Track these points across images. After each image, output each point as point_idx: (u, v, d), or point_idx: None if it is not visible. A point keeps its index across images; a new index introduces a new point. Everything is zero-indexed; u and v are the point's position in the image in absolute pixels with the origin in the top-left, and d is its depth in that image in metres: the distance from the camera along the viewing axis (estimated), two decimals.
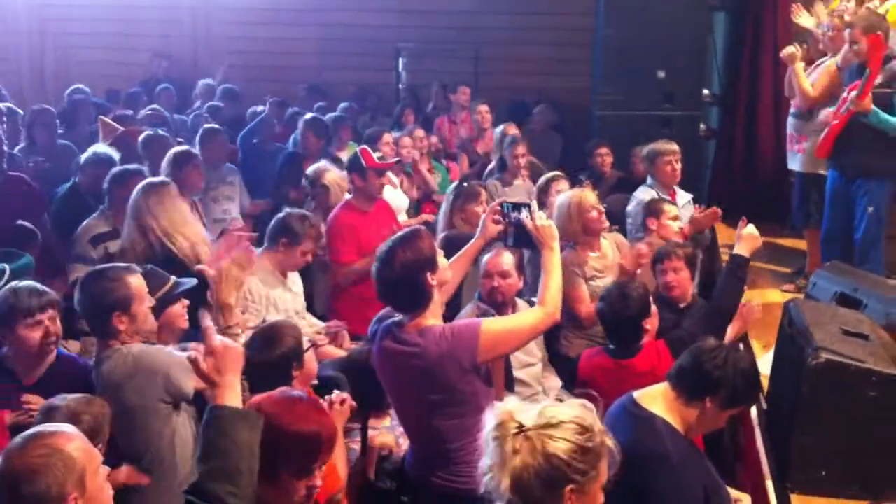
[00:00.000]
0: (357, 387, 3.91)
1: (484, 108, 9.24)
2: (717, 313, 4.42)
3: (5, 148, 5.99)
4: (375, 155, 6.00)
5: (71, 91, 9.73)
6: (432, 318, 3.54)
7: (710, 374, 3.23)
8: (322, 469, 2.70)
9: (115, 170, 5.78)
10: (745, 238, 4.42)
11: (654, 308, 4.44)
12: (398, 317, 3.58)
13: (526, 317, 3.68)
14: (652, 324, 4.38)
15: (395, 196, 7.11)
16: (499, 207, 3.96)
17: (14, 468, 2.14)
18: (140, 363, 3.57)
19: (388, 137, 7.65)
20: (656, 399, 3.30)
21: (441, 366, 3.41)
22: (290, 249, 5.00)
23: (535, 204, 3.89)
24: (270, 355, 3.68)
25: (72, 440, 2.23)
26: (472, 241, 4.07)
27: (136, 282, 3.72)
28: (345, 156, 7.47)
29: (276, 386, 3.34)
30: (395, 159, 6.57)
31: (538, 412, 2.27)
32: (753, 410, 4.56)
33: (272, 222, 5.14)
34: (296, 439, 2.60)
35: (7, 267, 4.25)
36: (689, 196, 6.83)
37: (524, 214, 3.79)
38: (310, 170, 6.53)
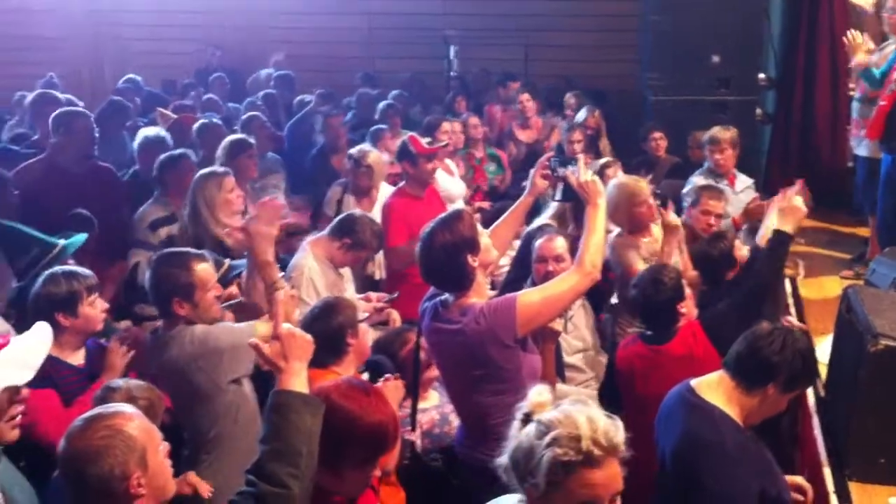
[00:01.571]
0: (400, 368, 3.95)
1: (525, 96, 9.18)
2: (754, 292, 4.20)
3: (96, 135, 6.11)
4: (424, 141, 6.02)
5: (123, 80, 9.87)
6: (476, 296, 3.56)
7: (769, 360, 3.15)
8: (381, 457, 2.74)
9: (163, 156, 5.85)
10: (788, 211, 4.15)
11: (688, 291, 4.34)
12: (445, 296, 3.62)
13: (563, 282, 3.61)
14: (688, 307, 4.31)
15: (453, 183, 7.12)
16: (546, 163, 3.97)
17: (77, 450, 2.17)
18: (206, 345, 3.62)
19: (446, 126, 7.65)
20: (715, 388, 3.23)
21: (482, 343, 3.44)
22: (348, 251, 5.02)
23: (581, 159, 3.88)
24: (327, 324, 3.72)
25: (132, 420, 2.25)
26: (522, 198, 4.08)
27: (203, 270, 3.73)
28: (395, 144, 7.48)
29: (332, 355, 3.39)
30: (444, 143, 6.56)
31: (566, 413, 2.17)
32: (811, 397, 4.50)
33: (342, 216, 5.16)
34: (366, 432, 2.63)
35: (61, 242, 4.32)
36: (749, 181, 6.72)
37: (570, 170, 3.79)
38: (354, 150, 6.55)
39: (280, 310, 2.53)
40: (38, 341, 2.46)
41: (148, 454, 2.21)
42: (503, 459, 2.23)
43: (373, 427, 2.63)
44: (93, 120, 6.23)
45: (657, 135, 7.90)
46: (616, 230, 5.38)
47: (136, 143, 6.71)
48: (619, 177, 5.82)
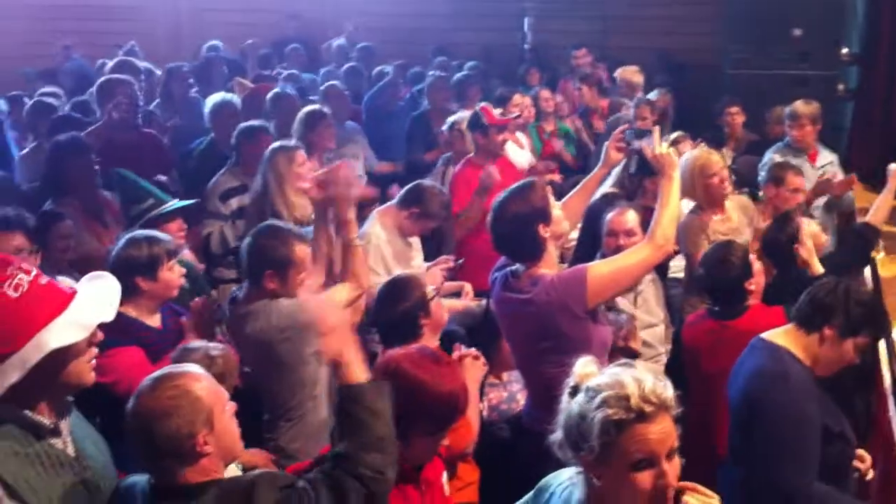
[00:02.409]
0: (475, 341, 3.96)
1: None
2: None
3: (141, 104, 6.23)
4: (496, 112, 5.99)
5: (207, 48, 10.00)
6: (546, 267, 3.55)
7: (822, 301, 3.31)
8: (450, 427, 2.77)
9: (242, 126, 5.93)
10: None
11: (758, 267, 4.28)
12: (515, 266, 3.61)
13: (634, 254, 3.59)
14: (757, 283, 4.23)
15: (521, 156, 7.09)
16: (621, 135, 3.91)
17: (145, 409, 2.22)
18: (294, 318, 3.67)
19: (518, 98, 7.59)
20: (782, 334, 3.38)
21: (551, 313, 3.44)
22: (416, 220, 5.04)
23: (656, 131, 3.83)
24: (397, 309, 3.73)
25: (199, 380, 2.29)
26: (595, 170, 4.04)
27: (302, 251, 3.79)
28: None
29: (407, 337, 3.43)
30: (515, 115, 6.51)
31: (615, 379, 2.15)
32: (887, 378, 4.41)
33: (410, 186, 5.18)
34: (436, 400, 2.67)
35: (175, 201, 4.47)
36: (832, 157, 6.55)
37: (645, 142, 3.74)
38: (454, 118, 6.55)
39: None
40: (109, 285, 2.51)
41: (215, 414, 2.25)
42: (556, 435, 2.23)
43: (442, 396, 2.67)
44: (136, 88, 6.38)
45: (733, 109, 7.69)
46: (690, 206, 5.32)
47: (207, 110, 6.83)
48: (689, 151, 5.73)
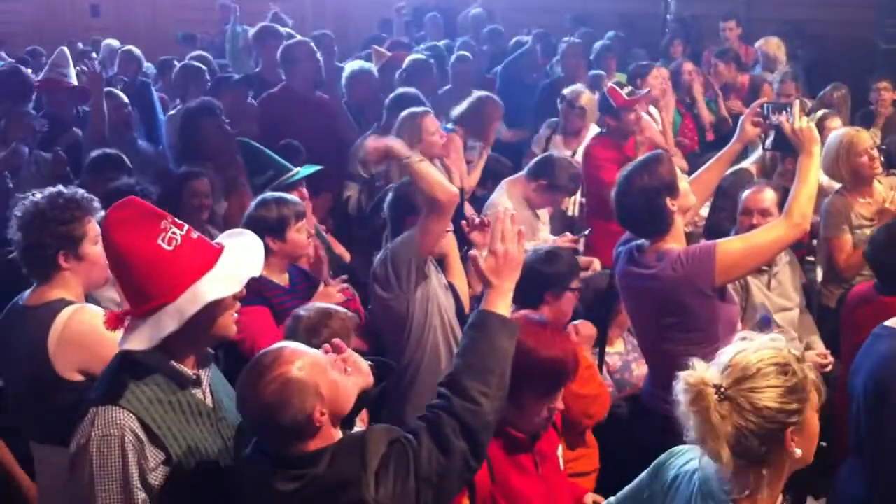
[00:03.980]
0: (593, 312, 3.93)
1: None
2: None
3: (321, 64, 6.50)
4: (624, 91, 5.86)
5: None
6: (673, 242, 3.47)
7: None
8: (560, 392, 2.77)
9: (394, 93, 6.00)
10: None
11: None
12: (641, 240, 3.55)
13: (768, 231, 3.48)
14: None
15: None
16: (759, 109, 3.78)
17: (255, 406, 2.23)
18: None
19: (656, 72, 7.39)
20: None
21: (677, 290, 3.36)
22: (543, 192, 5.01)
23: (797, 104, 3.68)
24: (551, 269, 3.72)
25: (293, 362, 2.24)
26: (730, 143, 3.92)
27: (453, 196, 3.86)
28: None
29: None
30: (644, 91, 6.36)
31: (726, 365, 2.14)
32: None
33: (540, 158, 5.16)
34: (542, 365, 2.69)
35: (297, 169, 4.55)
36: None
37: (784, 116, 3.60)
38: (567, 90, 6.49)
39: (498, 227, 2.51)
40: (252, 240, 2.56)
41: (321, 385, 2.24)
42: None
43: (550, 360, 2.70)
44: (313, 46, 6.55)
45: (882, 85, 7.27)
46: (836, 186, 5.11)
47: (344, 76, 6.94)
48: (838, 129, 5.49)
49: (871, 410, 3.19)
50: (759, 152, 5.24)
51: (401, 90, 6.07)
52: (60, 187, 3.19)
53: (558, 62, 8.46)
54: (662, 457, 2.50)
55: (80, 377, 2.97)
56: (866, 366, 3.24)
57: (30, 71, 7.25)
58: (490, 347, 2.37)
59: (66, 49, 6.88)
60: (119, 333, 2.38)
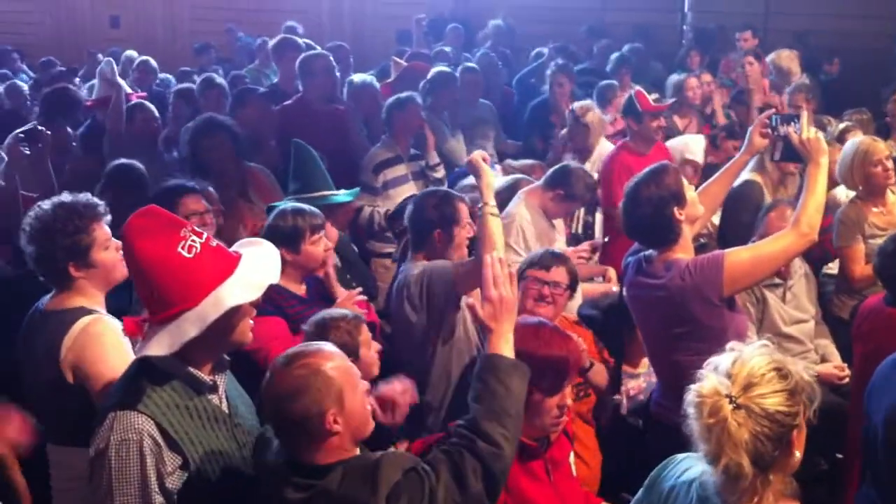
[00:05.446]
0: (608, 324, 3.95)
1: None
2: None
3: (337, 76, 6.64)
4: (651, 97, 5.90)
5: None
6: (681, 252, 3.49)
7: None
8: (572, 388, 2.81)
9: (391, 99, 6.05)
10: None
11: None
12: (649, 251, 3.57)
13: (777, 241, 3.48)
14: None
15: (692, 141, 6.91)
16: (767, 120, 3.80)
17: (277, 386, 2.28)
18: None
19: (693, 82, 7.46)
20: None
21: (685, 300, 3.37)
22: (560, 202, 5.03)
23: (804, 116, 3.68)
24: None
25: (331, 359, 2.32)
26: (738, 155, 3.93)
27: (465, 209, 3.93)
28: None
29: None
30: (671, 100, 6.37)
31: (729, 374, 2.16)
32: None
33: (556, 167, 5.18)
34: (545, 361, 2.74)
35: (340, 192, 4.63)
36: None
37: (792, 127, 3.61)
38: (575, 105, 6.51)
39: (489, 273, 2.53)
40: (269, 249, 2.60)
41: (345, 393, 2.28)
42: None
43: (552, 357, 2.76)
44: (332, 60, 6.61)
45: None
46: (850, 195, 5.12)
47: (346, 90, 6.99)
48: None
49: (893, 444, 3.09)
50: (755, 161, 5.22)
51: (397, 95, 6.11)
52: (64, 196, 3.19)
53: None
54: (656, 470, 2.51)
55: (79, 380, 3.01)
56: (890, 396, 3.12)
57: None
58: (506, 390, 2.40)
59: (112, 60, 6.89)
60: (122, 349, 2.42)
